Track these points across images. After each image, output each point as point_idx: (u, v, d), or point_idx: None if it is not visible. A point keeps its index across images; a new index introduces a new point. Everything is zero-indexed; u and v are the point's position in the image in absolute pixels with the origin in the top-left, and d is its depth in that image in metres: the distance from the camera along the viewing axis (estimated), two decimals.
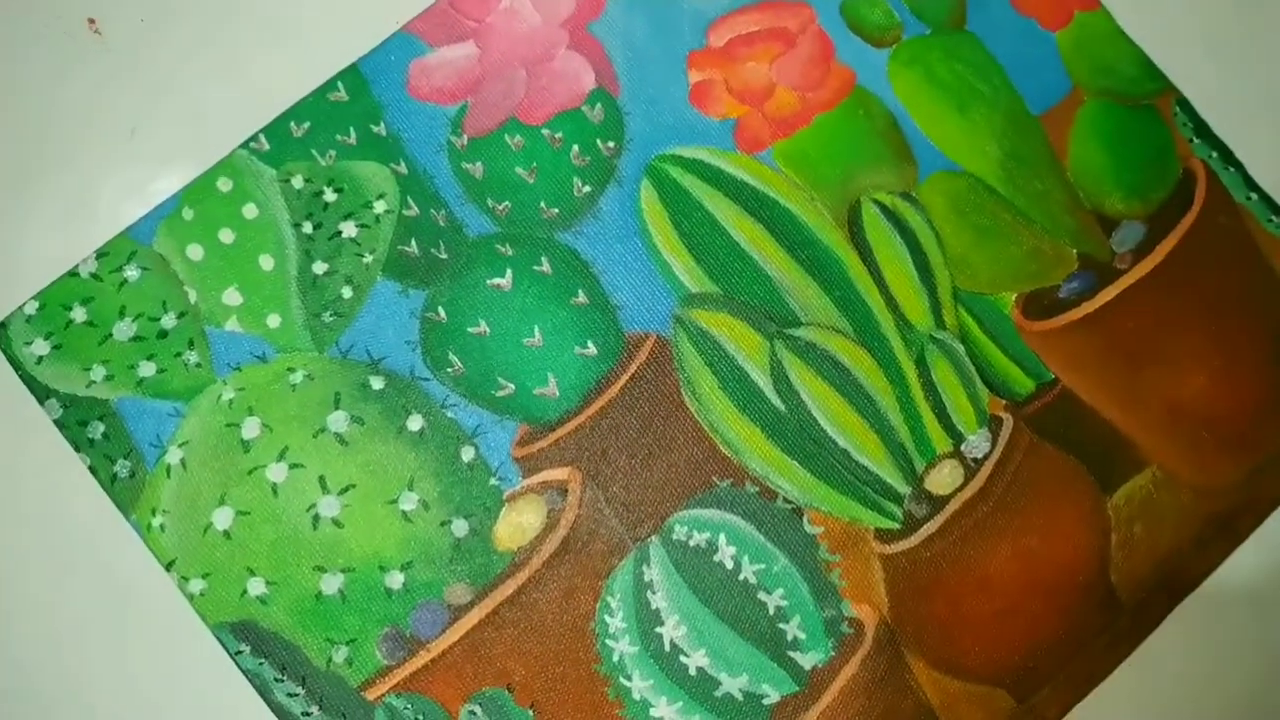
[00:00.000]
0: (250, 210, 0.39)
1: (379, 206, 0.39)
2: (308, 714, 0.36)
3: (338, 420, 0.37)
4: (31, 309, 0.38)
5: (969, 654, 0.38)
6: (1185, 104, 0.41)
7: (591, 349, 0.39)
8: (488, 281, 0.39)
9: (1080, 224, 0.41)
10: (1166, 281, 0.40)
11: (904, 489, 0.39)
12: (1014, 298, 0.40)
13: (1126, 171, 0.41)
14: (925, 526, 0.39)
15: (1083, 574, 0.39)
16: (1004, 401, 0.40)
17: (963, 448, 0.39)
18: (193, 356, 0.38)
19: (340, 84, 0.40)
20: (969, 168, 0.41)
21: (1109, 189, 0.41)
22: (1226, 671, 0.39)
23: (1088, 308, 0.40)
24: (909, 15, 0.42)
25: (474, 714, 0.36)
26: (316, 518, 0.37)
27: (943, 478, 0.39)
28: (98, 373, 0.37)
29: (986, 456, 0.39)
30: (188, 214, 0.38)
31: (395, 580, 0.37)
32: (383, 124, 0.40)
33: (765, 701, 0.37)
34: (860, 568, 0.38)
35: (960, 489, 0.39)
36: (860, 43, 0.41)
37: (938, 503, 0.39)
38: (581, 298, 0.39)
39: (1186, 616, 0.39)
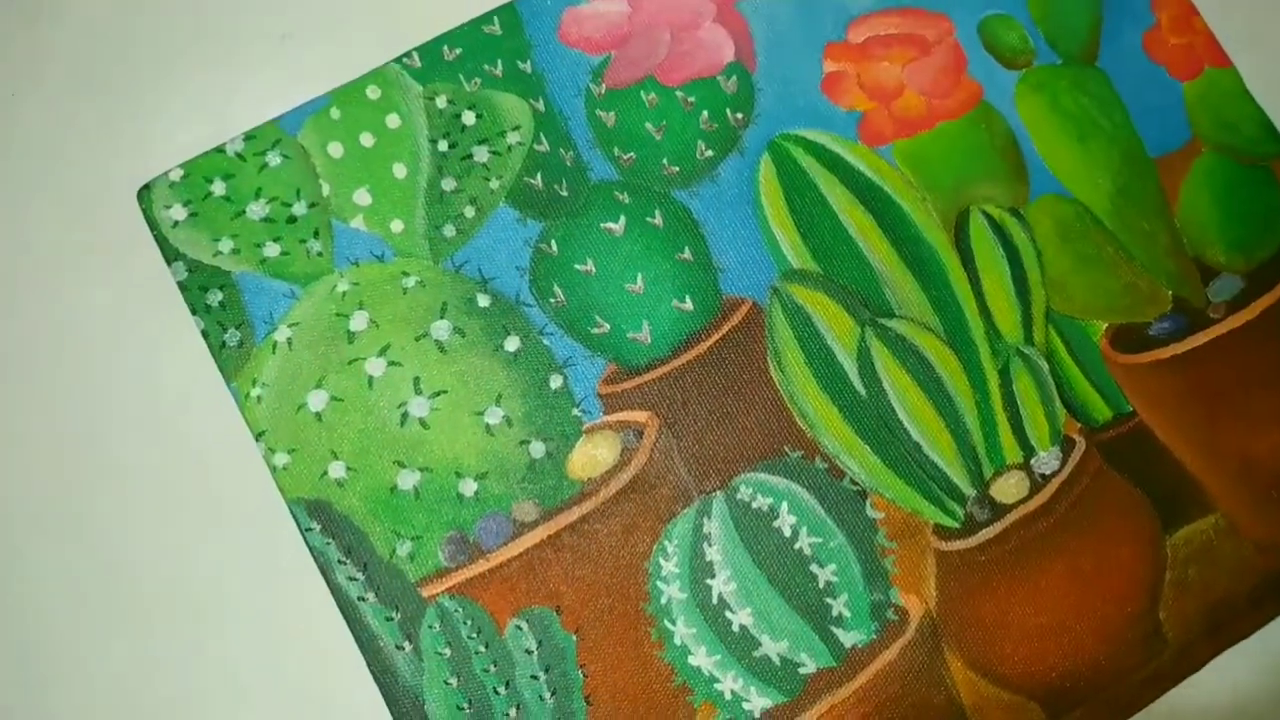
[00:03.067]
0: (393, 120, 0.40)
1: (512, 137, 0.40)
2: (363, 599, 0.36)
3: (441, 328, 0.38)
4: (176, 175, 0.39)
5: (1008, 662, 0.37)
6: None
7: (689, 304, 0.39)
8: (601, 224, 0.40)
9: (1180, 268, 0.41)
10: (1257, 338, 0.40)
11: (969, 491, 0.39)
12: (1104, 327, 0.40)
13: (1233, 226, 0.41)
14: (984, 530, 0.38)
15: (1132, 605, 0.38)
16: (1079, 424, 0.39)
17: (1032, 461, 0.39)
18: (316, 245, 0.39)
19: (496, 18, 0.41)
20: (1080, 196, 0.41)
21: (1213, 240, 0.41)
22: None
23: (1176, 349, 0.40)
24: (1043, 43, 0.42)
25: (520, 629, 0.36)
26: (405, 415, 0.37)
27: (1009, 487, 0.39)
28: (226, 245, 0.38)
29: (1055, 474, 0.39)
30: (335, 113, 0.40)
31: (468, 487, 0.37)
32: (529, 61, 0.41)
33: (801, 670, 0.37)
34: (914, 558, 0.38)
35: (1024, 500, 0.39)
36: (992, 61, 0.42)
37: (1000, 510, 0.38)
38: (687, 254, 0.40)
39: (1228, 667, 0.39)
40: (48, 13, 0.42)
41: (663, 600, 0.37)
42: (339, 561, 0.36)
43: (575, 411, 0.38)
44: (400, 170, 0.39)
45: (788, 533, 0.38)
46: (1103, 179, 0.41)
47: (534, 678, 0.36)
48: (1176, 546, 0.39)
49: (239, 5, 0.43)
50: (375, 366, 0.38)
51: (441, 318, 0.38)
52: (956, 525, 0.38)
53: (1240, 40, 0.42)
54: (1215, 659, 0.38)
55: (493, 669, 0.36)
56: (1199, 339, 0.40)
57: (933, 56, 0.41)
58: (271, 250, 0.38)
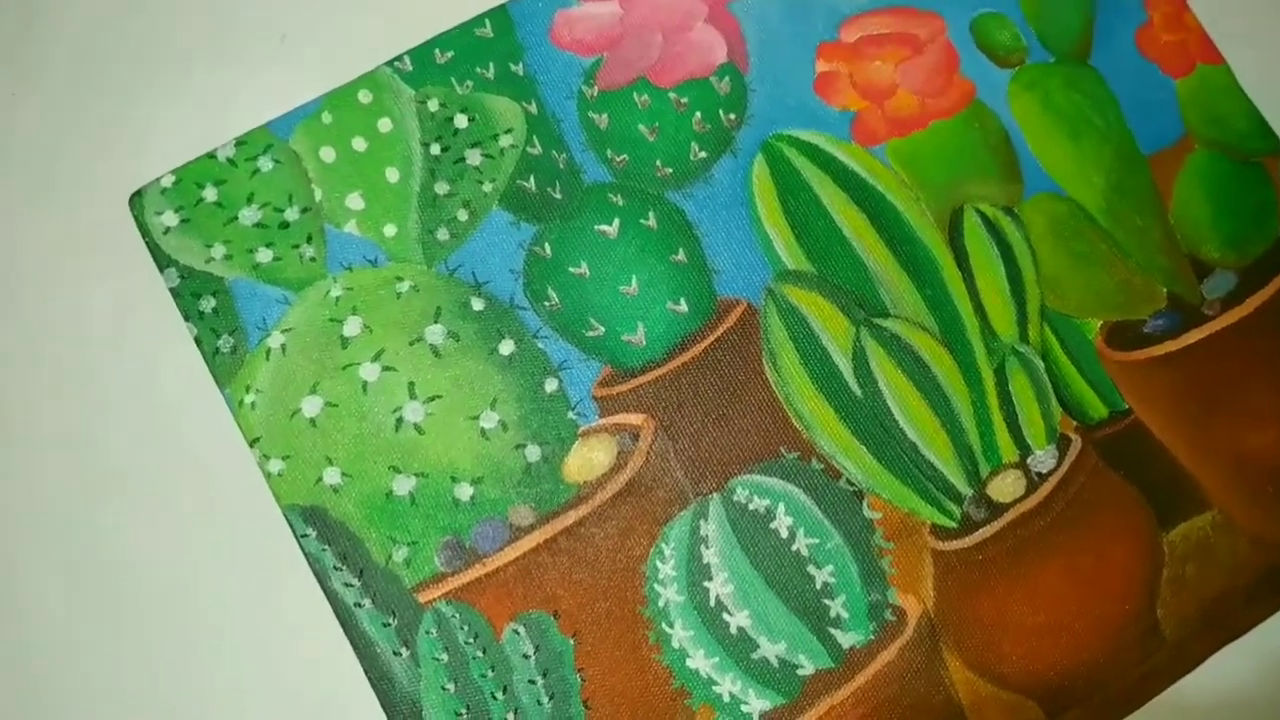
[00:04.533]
0: (385, 124, 0.39)
1: (505, 140, 0.39)
2: (359, 605, 0.36)
3: (435, 333, 0.38)
4: (168, 181, 0.38)
5: (1006, 661, 0.37)
6: None
7: (683, 306, 0.39)
8: (595, 227, 0.39)
9: (1174, 265, 0.40)
10: (1252, 334, 0.40)
11: (966, 490, 0.38)
12: (1099, 324, 0.40)
13: (1226, 222, 0.40)
14: (981, 530, 0.38)
15: (1130, 603, 0.38)
16: (1075, 423, 0.39)
17: (1029, 460, 0.39)
18: (309, 250, 0.38)
19: (488, 21, 0.40)
20: (1073, 194, 0.40)
21: (1207, 236, 0.40)
22: None
23: (1171, 346, 0.39)
24: (1035, 41, 0.42)
25: (518, 633, 0.36)
26: (400, 420, 0.37)
27: (1005, 486, 0.38)
28: (218, 251, 0.38)
29: (1051, 472, 0.38)
30: (326, 118, 0.39)
31: (464, 492, 0.37)
32: (521, 64, 0.40)
33: (799, 672, 0.36)
34: (912, 558, 0.37)
35: (1021, 499, 0.38)
36: (985, 60, 0.41)
37: (997, 509, 0.38)
38: (681, 256, 0.39)
39: (1226, 663, 0.38)
40: (40, 18, 0.41)
41: (660, 603, 0.36)
42: (334, 568, 0.36)
43: (571, 415, 0.38)
44: (393, 174, 0.39)
45: (785, 534, 0.37)
46: (1096, 177, 0.40)
47: (532, 682, 0.36)
48: (1173, 543, 0.38)
49: (232, 8, 0.42)
50: (369, 372, 0.37)
51: (436, 322, 0.38)
52: (954, 525, 0.38)
53: (1232, 37, 0.42)
54: (1214, 656, 0.38)
55: (490, 674, 0.35)
56: (1194, 336, 0.39)
57: (925, 56, 0.41)
58: (264, 256, 0.38)
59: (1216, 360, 0.39)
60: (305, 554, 0.36)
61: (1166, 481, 0.39)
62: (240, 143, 0.39)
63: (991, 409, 0.39)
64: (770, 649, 0.36)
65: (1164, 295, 0.40)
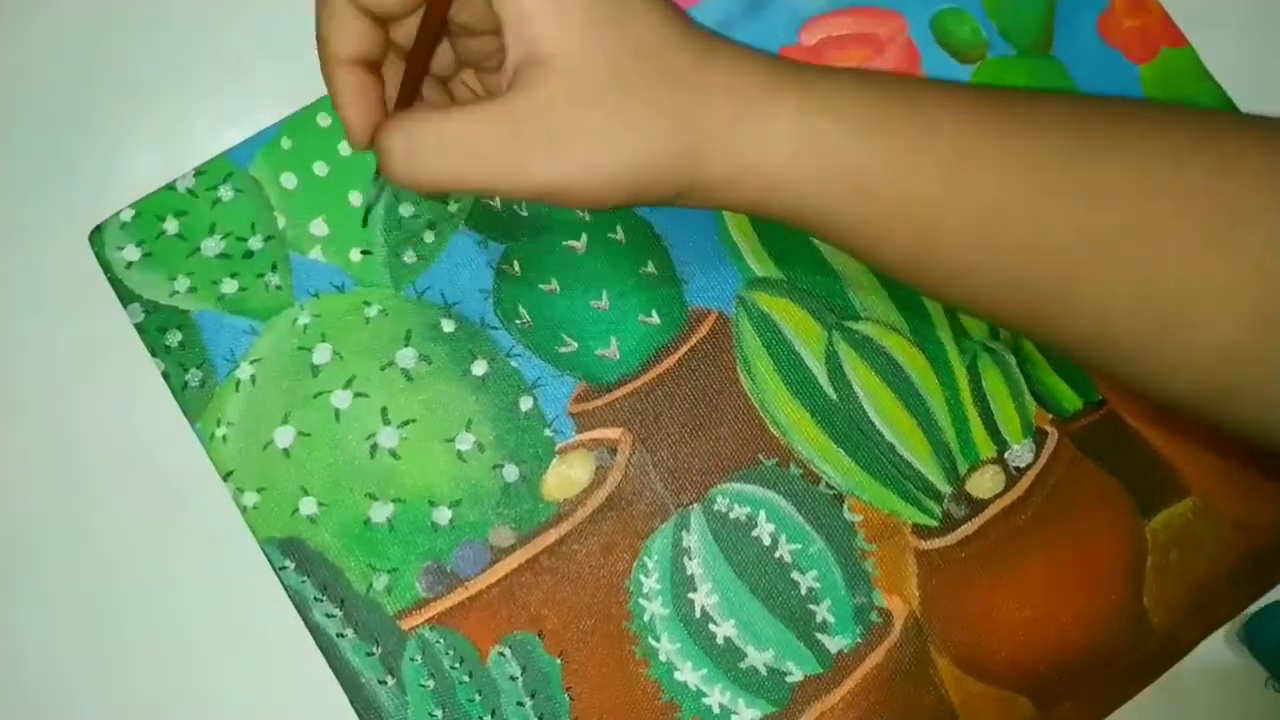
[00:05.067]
0: (345, 148, 0.39)
1: None
2: (342, 635, 0.35)
3: (406, 356, 0.37)
4: (127, 216, 0.38)
5: (995, 657, 0.37)
6: None
7: (655, 318, 0.39)
8: (564, 242, 0.39)
9: None
10: None
11: (945, 488, 0.38)
12: None
13: None
14: (963, 527, 0.38)
15: (1115, 593, 0.37)
16: (1051, 415, 0.39)
17: (1006, 455, 0.38)
18: (274, 279, 0.38)
19: None
20: None
21: None
22: (1251, 709, 0.38)
23: None
24: (996, 35, 0.41)
25: (504, 655, 0.36)
26: (374, 447, 0.36)
27: (984, 482, 0.38)
28: (182, 284, 0.37)
29: (1029, 466, 0.38)
30: (286, 143, 0.39)
31: (443, 516, 0.36)
32: None
33: (788, 679, 0.36)
34: (895, 559, 0.37)
35: (1000, 495, 0.38)
36: (947, 56, 0.41)
37: (977, 505, 0.38)
38: (650, 268, 0.39)
39: (1216, 649, 0.38)
40: None
41: (645, 617, 0.36)
42: (315, 599, 0.35)
43: (547, 432, 0.37)
44: (356, 198, 0.38)
45: (767, 541, 0.37)
46: None
47: (520, 704, 0.35)
48: (1156, 531, 0.38)
49: (186, 36, 0.41)
50: (341, 399, 0.37)
51: (406, 346, 0.37)
52: (935, 523, 0.38)
53: (1195, 19, 0.42)
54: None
55: (478, 698, 0.35)
56: None
57: (887, 55, 0.41)
58: (229, 286, 0.37)
59: None
60: (285, 586, 0.35)
61: (1145, 469, 0.39)
62: (200, 172, 0.38)
63: (966, 406, 0.39)
64: (758, 657, 0.36)
65: None
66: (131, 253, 0.37)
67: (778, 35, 0.41)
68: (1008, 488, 0.38)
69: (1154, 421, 0.39)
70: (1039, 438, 0.39)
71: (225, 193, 0.38)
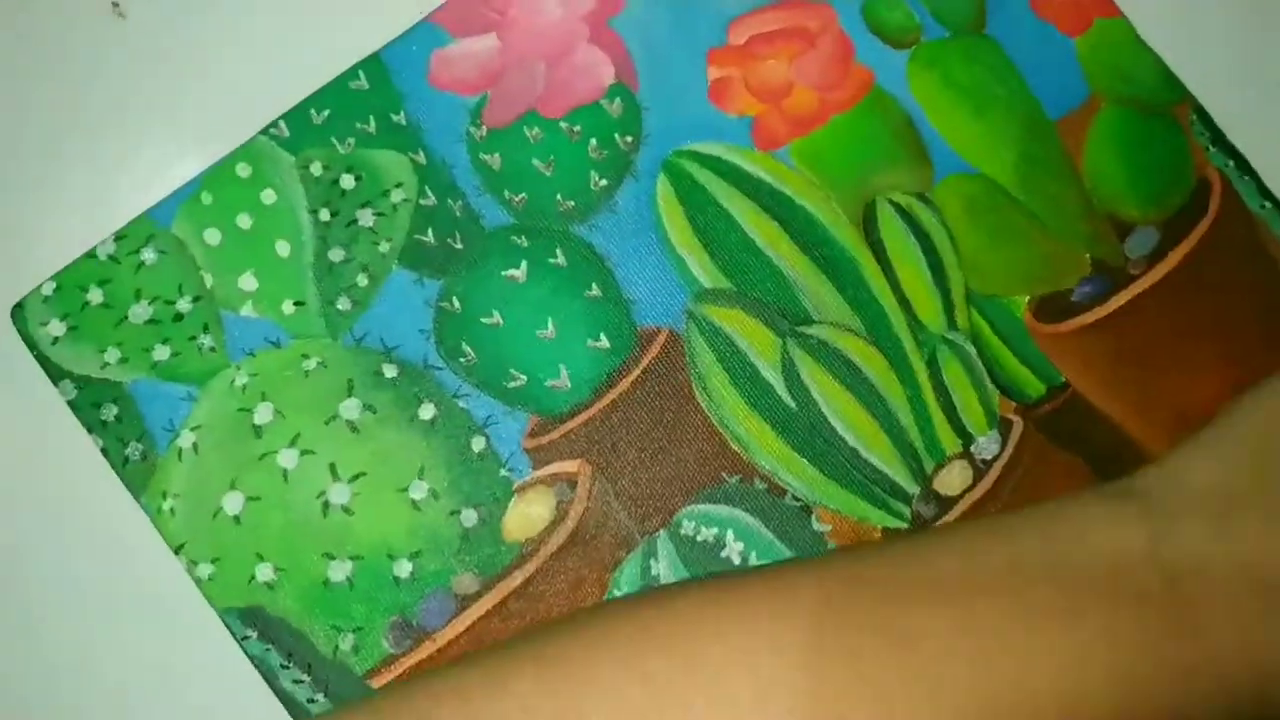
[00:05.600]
0: (268, 196, 0.37)
1: (396, 195, 0.38)
2: (313, 700, 0.34)
3: (350, 408, 0.36)
4: (49, 289, 0.36)
5: None
6: (1202, 113, 0.40)
7: (604, 342, 0.38)
8: (503, 272, 0.38)
9: (1094, 229, 0.39)
10: (1179, 288, 0.39)
11: (912, 489, 0.37)
12: (1027, 300, 0.39)
13: (1142, 178, 0.40)
14: (932, 526, 0.37)
15: None
16: (1015, 404, 0.38)
17: (972, 449, 0.38)
18: (207, 340, 0.36)
19: (361, 72, 0.38)
20: (984, 170, 0.39)
21: (1124, 195, 0.39)
22: None
23: (1100, 312, 0.39)
24: (929, 18, 0.40)
25: None
26: (326, 504, 0.35)
27: (952, 478, 0.38)
28: (112, 355, 0.36)
29: (996, 458, 0.38)
30: (206, 198, 0.37)
31: (403, 569, 0.35)
32: (403, 113, 0.38)
33: None
34: None
35: (969, 490, 0.37)
36: (880, 44, 0.40)
37: (946, 503, 0.37)
38: (595, 291, 0.38)
39: None
40: None
41: None
42: (281, 666, 0.35)
43: (503, 472, 0.36)
44: (283, 248, 0.37)
45: (737, 560, 0.36)
46: (1005, 150, 0.39)
47: None
48: None
49: (93, 90, 0.40)
50: (288, 459, 0.36)
51: (349, 396, 0.36)
52: (905, 526, 0.37)
53: None
54: None
55: None
56: (1122, 298, 0.39)
57: (819, 48, 0.39)
58: (161, 353, 0.36)
59: (1147, 319, 0.39)
60: (249, 656, 0.35)
61: (1113, 451, 0.38)
62: (120, 236, 0.37)
63: (928, 402, 0.38)
64: None
65: (1088, 261, 0.39)
66: (56, 327, 0.36)
67: (704, 37, 0.39)
68: (975, 482, 0.37)
69: (1119, 400, 0.38)
70: (1004, 428, 0.38)
71: (148, 255, 0.37)
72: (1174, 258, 0.39)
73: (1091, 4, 0.40)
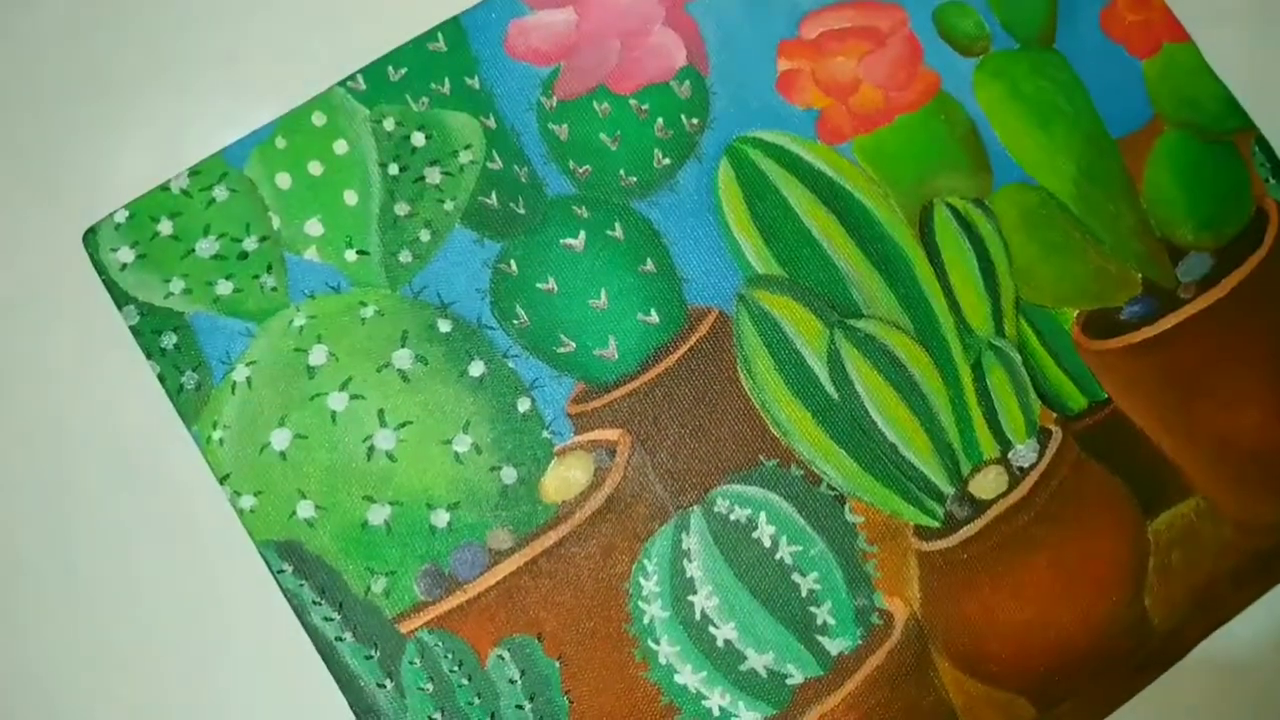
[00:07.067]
0: (340, 146, 0.38)
1: (464, 156, 0.38)
2: (340, 639, 0.35)
3: (402, 357, 0.37)
4: (121, 217, 0.37)
5: (996, 659, 0.36)
6: (1264, 144, 0.40)
7: (654, 317, 0.38)
8: (561, 241, 0.38)
9: (1148, 250, 0.39)
10: (1229, 316, 0.39)
11: (948, 489, 0.37)
12: (1075, 314, 0.39)
13: (1199, 204, 0.40)
14: (965, 528, 0.37)
15: (1117, 594, 0.37)
16: (1055, 415, 0.38)
17: (1010, 455, 0.38)
18: (270, 280, 0.37)
19: (440, 35, 0.39)
20: (1043, 183, 0.39)
21: (1180, 219, 0.40)
22: (1247, 711, 0.38)
23: (1148, 332, 0.39)
24: (999, 28, 0.41)
25: (502, 658, 0.35)
26: (371, 449, 0.36)
27: (987, 482, 0.38)
28: (176, 285, 0.37)
29: (1033, 466, 0.38)
30: (280, 143, 0.38)
31: (440, 518, 0.36)
32: (477, 78, 0.39)
33: (789, 681, 0.36)
34: (896, 561, 0.37)
35: (1003, 495, 0.37)
36: (949, 50, 0.40)
37: (979, 506, 0.37)
38: (650, 266, 0.38)
39: (1216, 649, 0.38)
40: None
41: (645, 620, 0.36)
42: (314, 602, 0.35)
43: (545, 434, 0.37)
44: (351, 197, 0.38)
45: (767, 543, 0.37)
46: (1066, 164, 0.39)
47: (519, 707, 0.35)
48: (1158, 532, 0.38)
49: (177, 35, 0.41)
50: (338, 401, 0.36)
51: (402, 347, 0.37)
52: (937, 524, 0.37)
53: (1197, 14, 0.41)
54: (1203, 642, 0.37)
55: (477, 701, 0.35)
56: (1170, 320, 0.39)
57: (888, 48, 0.40)
58: (224, 288, 0.37)
59: (1194, 344, 0.39)
60: (283, 589, 0.35)
61: (1149, 470, 0.38)
62: (194, 173, 0.38)
63: (970, 405, 0.38)
64: (758, 660, 0.36)
65: (1139, 281, 0.39)
66: (126, 254, 0.37)
67: (778, 29, 0.40)
68: (1011, 488, 0.38)
69: (1159, 421, 0.38)
70: (1043, 437, 0.38)
71: (220, 193, 0.37)
72: (1226, 285, 0.39)
73: (1162, 28, 0.41)
